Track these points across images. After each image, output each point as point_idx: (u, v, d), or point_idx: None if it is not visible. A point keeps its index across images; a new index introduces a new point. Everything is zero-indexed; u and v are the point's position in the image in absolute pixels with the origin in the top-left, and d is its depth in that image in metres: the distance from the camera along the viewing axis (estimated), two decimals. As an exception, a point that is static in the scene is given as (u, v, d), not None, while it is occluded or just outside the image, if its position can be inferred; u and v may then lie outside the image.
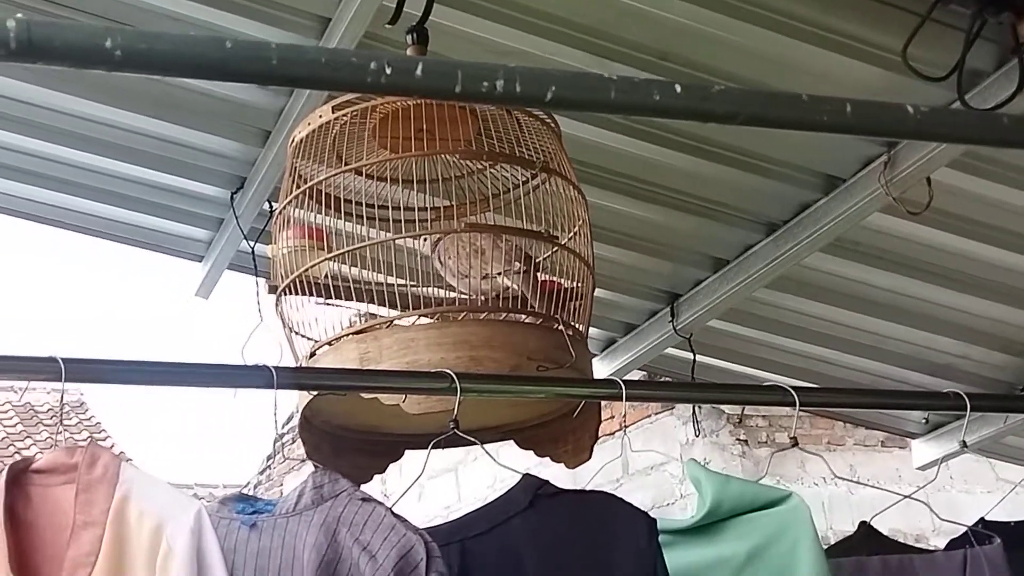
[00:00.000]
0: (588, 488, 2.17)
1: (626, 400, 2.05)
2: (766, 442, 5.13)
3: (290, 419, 6.40)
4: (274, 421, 1.93)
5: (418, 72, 1.45)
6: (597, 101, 1.52)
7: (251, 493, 2.11)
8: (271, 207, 2.87)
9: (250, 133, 2.82)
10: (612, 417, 5.00)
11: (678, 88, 1.52)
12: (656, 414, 5.21)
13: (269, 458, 6.99)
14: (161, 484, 1.89)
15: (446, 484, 6.40)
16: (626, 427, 2.14)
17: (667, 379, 3.47)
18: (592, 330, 3.40)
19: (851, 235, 2.85)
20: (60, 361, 1.79)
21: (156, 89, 2.68)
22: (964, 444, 2.21)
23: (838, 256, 2.97)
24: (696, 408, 4.75)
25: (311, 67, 1.42)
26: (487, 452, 2.06)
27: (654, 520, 2.02)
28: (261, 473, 7.09)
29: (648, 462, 5.20)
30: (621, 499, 2.06)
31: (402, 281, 2.20)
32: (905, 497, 2.15)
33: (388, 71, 1.44)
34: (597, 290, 3.13)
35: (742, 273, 3.00)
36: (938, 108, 1.61)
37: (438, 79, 1.47)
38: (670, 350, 3.36)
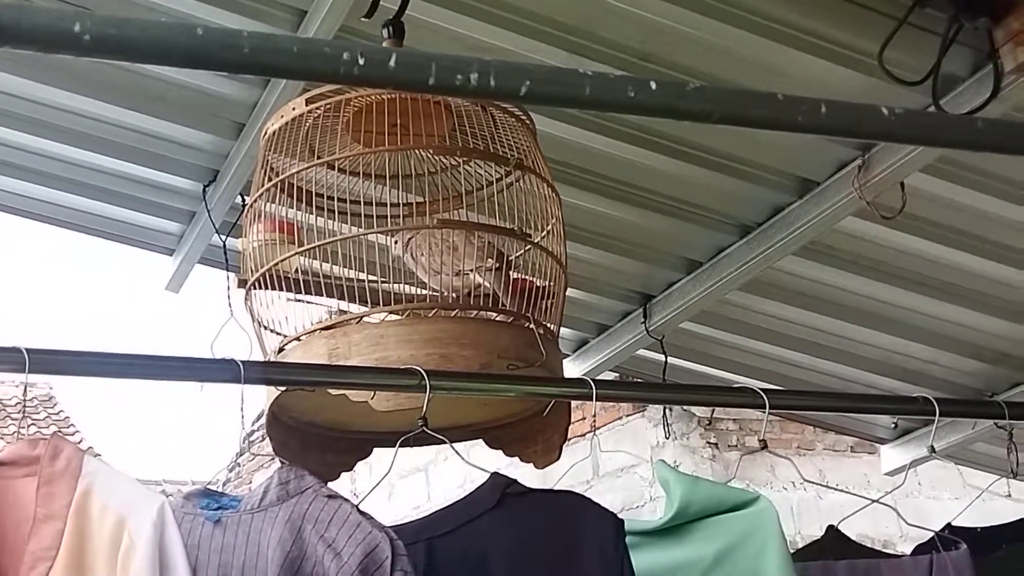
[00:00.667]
0: (564, 489, 2.15)
1: (596, 400, 2.03)
2: (736, 445, 5.14)
3: (260, 416, 6.38)
4: (241, 417, 1.91)
5: (391, 63, 1.44)
6: (571, 96, 1.50)
7: (216, 489, 2.08)
8: (243, 201, 2.85)
9: (223, 126, 2.80)
10: (583, 419, 5.00)
11: (653, 85, 1.51)
12: (627, 416, 5.20)
13: (238, 455, 6.96)
14: (125, 478, 1.86)
15: (416, 483, 6.37)
16: (596, 429, 2.12)
17: (638, 380, 3.46)
18: (564, 330, 3.39)
19: (824, 239, 2.85)
20: (24, 352, 1.76)
21: (129, 80, 2.65)
22: (932, 449, 2.20)
23: (811, 260, 2.97)
24: (667, 410, 4.74)
25: (283, 56, 1.40)
26: (456, 451, 2.05)
27: (622, 521, 2.01)
28: (230, 470, 7.06)
29: (618, 464, 5.19)
30: (589, 499, 2.05)
31: (373, 277, 2.19)
32: (873, 502, 2.14)
33: (361, 62, 1.42)
34: (570, 290, 3.12)
35: (715, 275, 2.99)
36: (913, 110, 1.60)
37: (412, 71, 1.45)
38: (642, 352, 3.36)
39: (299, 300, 2.21)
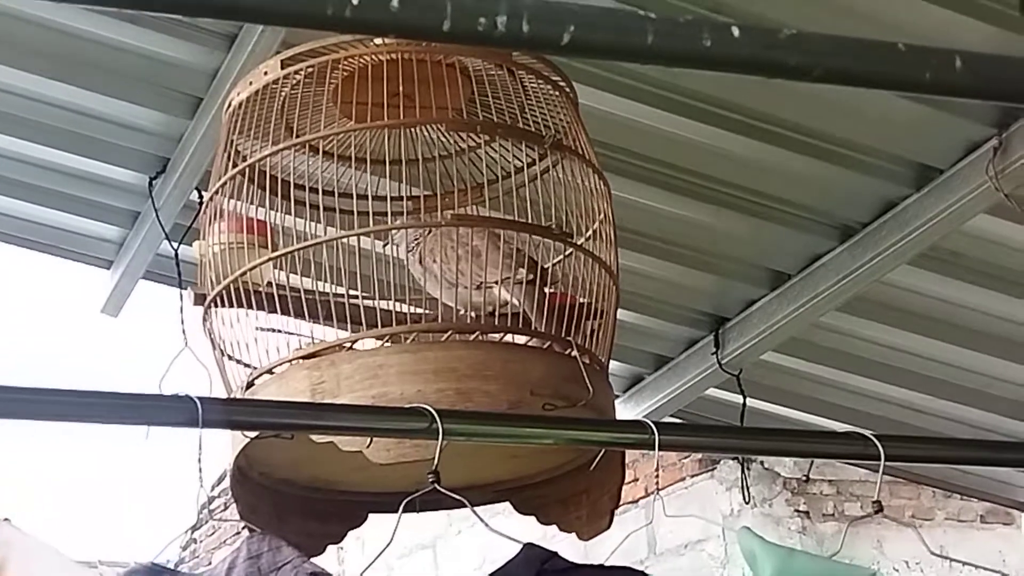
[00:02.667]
0: (618, 565, 2.12)
1: (659, 449, 1.99)
2: (833, 515, 5.09)
3: (223, 476, 6.35)
4: (199, 473, 1.87)
5: (394, 3, 1.40)
6: (629, 47, 1.47)
7: (167, 566, 2.05)
8: (201, 196, 2.83)
9: (175, 100, 2.78)
10: (636, 480, 4.95)
11: (736, 31, 1.48)
12: (692, 477, 5.16)
13: (194, 528, 6.92)
14: (48, 551, 1.85)
15: (421, 563, 6.33)
16: (657, 490, 2.09)
17: (712, 424, 3.42)
18: (613, 364, 3.34)
19: (949, 243, 2.82)
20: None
21: (54, 41, 2.64)
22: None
23: (931, 270, 2.94)
24: (745, 467, 4.70)
25: (254, -5, 1.37)
26: (478, 516, 2.00)
27: (695, 606, 1.97)
28: (184, 547, 7.01)
29: (681, 539, 5.15)
30: (650, 577, 2.02)
31: (367, 292, 2.16)
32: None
33: (355, 2, 1.39)
34: (620, 313, 3.12)
35: (807, 291, 2.96)
36: (1078, 64, 1.56)
37: (421, 13, 1.42)
38: (713, 391, 3.33)
39: (271, 323, 2.18)
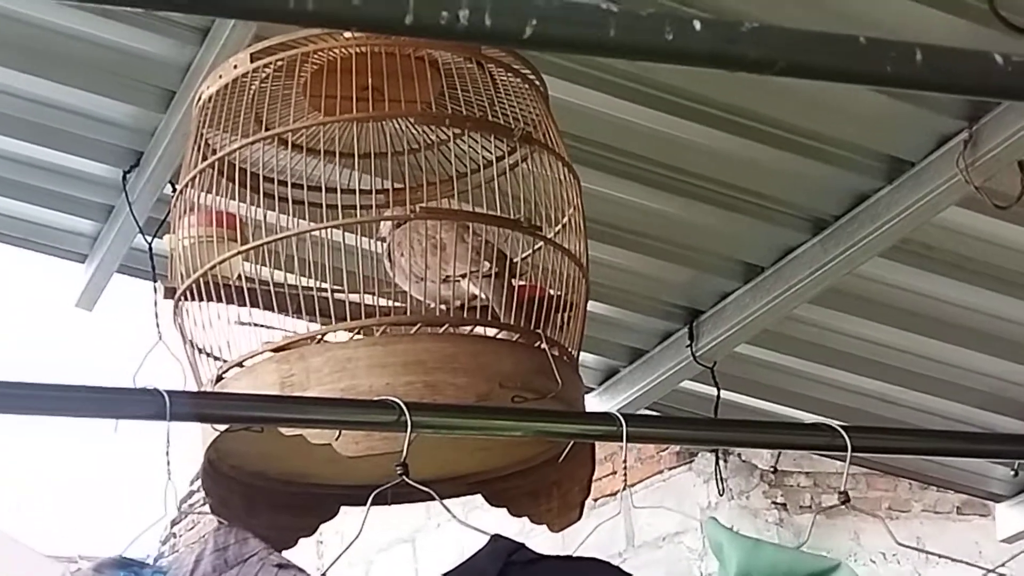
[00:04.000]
0: (586, 556, 2.12)
1: (627, 440, 2.00)
2: (810, 506, 5.08)
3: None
4: (167, 466, 1.88)
5: (356, -4, 1.40)
6: (591, 40, 1.47)
7: (139, 559, 2.05)
8: (175, 189, 2.83)
9: (148, 94, 2.78)
10: (614, 473, 4.95)
11: (697, 25, 1.48)
12: (670, 469, 5.16)
13: (173, 522, 6.92)
14: (17, 547, 1.85)
15: (400, 557, 6.33)
16: (630, 485, 2.10)
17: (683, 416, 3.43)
18: (588, 357, 3.37)
19: (921, 235, 2.82)
20: None
21: (28, 36, 2.64)
22: (1066, 503, 2.16)
23: (904, 263, 2.94)
24: (719, 459, 4.71)
25: (213, -12, 1.37)
26: (447, 508, 2.01)
27: (662, 597, 1.98)
28: (163, 542, 7.01)
29: (659, 531, 5.15)
30: (618, 569, 2.03)
31: (338, 284, 2.16)
32: (988, 572, 2.10)
33: (316, -6, 1.39)
34: (594, 306, 3.13)
35: (780, 284, 2.96)
36: (1036, 58, 1.57)
37: (383, 6, 1.42)
38: (687, 384, 3.33)
39: (241, 317, 2.19)
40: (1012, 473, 3.15)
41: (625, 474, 2.02)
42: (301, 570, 1.89)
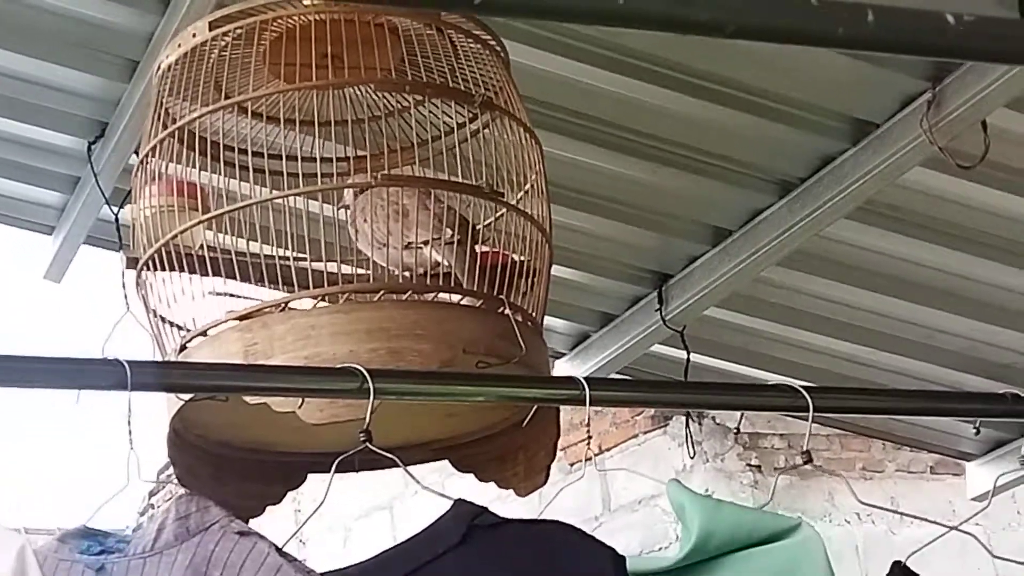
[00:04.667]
0: (548, 519, 2.13)
1: (590, 404, 2.00)
2: (784, 467, 5.11)
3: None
4: (129, 437, 1.87)
5: (304, -35, 1.40)
6: (541, 4, 1.48)
7: (104, 530, 2.05)
8: (139, 160, 2.83)
9: (112, 64, 2.77)
10: (590, 437, 4.96)
11: (649, -13, 1.48)
12: (644, 433, 5.17)
13: (151, 493, 6.93)
14: None
15: (379, 524, 6.34)
16: (588, 448, 2.11)
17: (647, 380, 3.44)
18: (559, 322, 3.39)
19: (886, 196, 2.83)
20: None
21: (-12, 7, 2.62)
22: (1024, 463, 2.17)
23: (870, 224, 2.95)
24: (690, 421, 4.73)
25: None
26: (410, 475, 2.02)
27: (622, 558, 1.98)
28: (141, 513, 7.02)
29: (635, 495, 5.17)
30: (580, 531, 2.03)
31: (300, 253, 2.16)
32: (950, 529, 2.11)
33: (264, -37, 1.38)
34: (566, 271, 3.14)
35: (748, 247, 2.98)
36: (989, 17, 1.58)
37: (332, -26, 1.42)
38: (657, 347, 3.34)
39: (207, 288, 2.18)
40: (974, 431, 3.16)
41: (588, 441, 2.02)
42: (263, 537, 1.89)
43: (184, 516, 1.90)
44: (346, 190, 2.24)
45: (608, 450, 5.28)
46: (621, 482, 5.23)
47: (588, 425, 2.03)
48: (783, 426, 5.13)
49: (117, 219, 2.97)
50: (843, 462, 5.17)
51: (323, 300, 2.11)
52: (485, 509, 2.04)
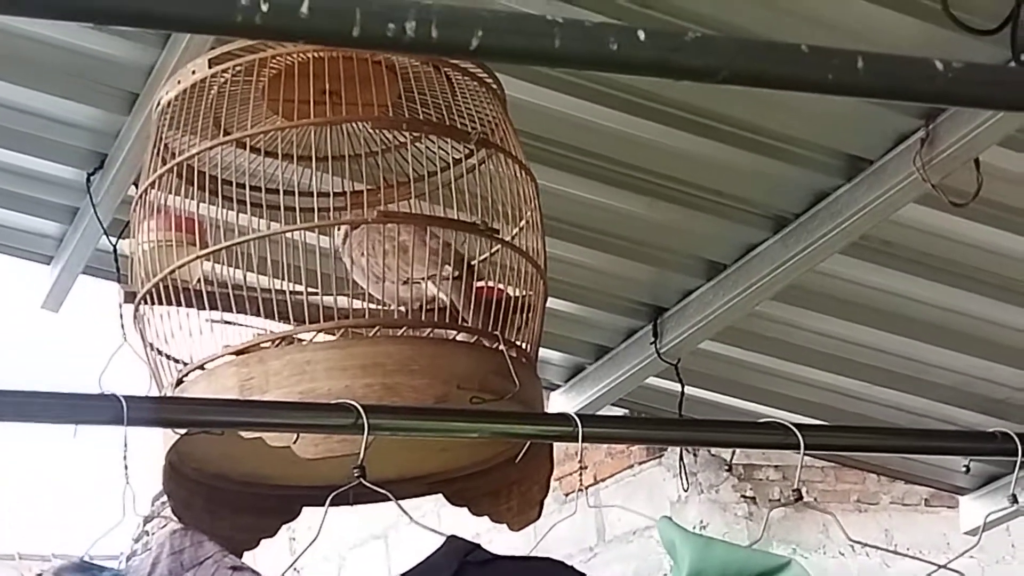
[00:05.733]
0: (540, 556, 2.14)
1: (583, 440, 2.02)
2: (779, 500, 5.11)
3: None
4: (124, 470, 1.89)
5: (303, 9, 1.43)
6: (536, 51, 1.50)
7: (100, 564, 2.07)
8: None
9: (112, 97, 2.80)
10: (583, 471, 4.97)
11: (641, 35, 1.50)
12: (640, 464, 5.18)
13: (146, 520, 6.94)
14: None
15: (373, 554, 6.35)
16: (580, 483, 2.12)
17: (640, 416, 3.45)
18: (554, 355, 3.40)
19: (880, 232, 2.85)
20: None
21: (-9, 40, 2.65)
22: (1014, 499, 2.19)
23: (864, 259, 2.96)
24: (689, 454, 4.73)
25: (164, 1, 1.39)
26: (402, 509, 2.03)
27: (615, 596, 2.00)
28: (136, 540, 7.03)
29: (630, 526, 5.17)
30: (572, 568, 2.04)
31: (297, 287, 2.18)
32: (939, 567, 2.12)
33: (264, 7, 1.41)
34: (561, 303, 3.15)
35: (743, 281, 2.99)
36: (978, 65, 1.60)
37: (330, 19, 1.45)
38: (652, 380, 3.35)
39: (204, 321, 2.20)
40: (964, 469, 3.18)
41: (581, 473, 2.04)
42: (256, 572, 1.90)
43: (178, 551, 1.91)
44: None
45: (603, 480, 5.29)
46: (616, 512, 5.24)
47: (581, 461, 2.05)
48: (778, 458, 5.14)
49: (115, 249, 2.99)
50: (838, 494, 5.18)
51: (320, 334, 2.13)
52: (477, 546, 2.06)
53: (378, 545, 6.30)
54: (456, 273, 2.19)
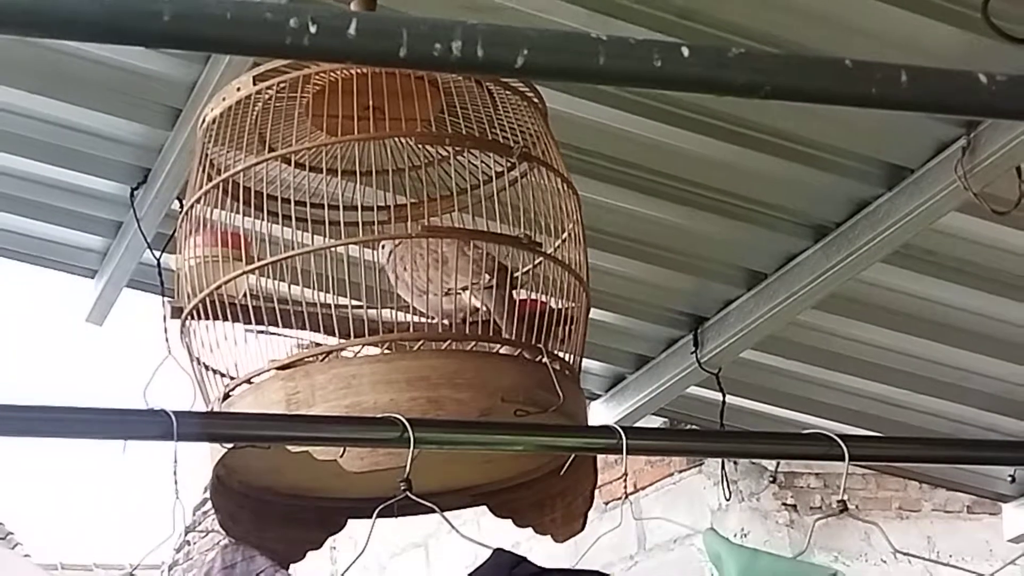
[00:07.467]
0: (587, 569, 2.15)
1: (627, 453, 2.03)
2: (820, 507, 5.10)
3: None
4: (175, 484, 1.91)
5: (351, 31, 1.44)
6: (582, 68, 1.51)
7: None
8: (182, 205, 2.87)
9: (155, 112, 2.83)
10: (626, 484, 4.97)
11: (686, 52, 1.51)
12: (680, 472, 5.18)
13: (188, 530, 6.99)
14: (20, 564, 1.87)
15: (414, 562, 6.37)
16: (641, 488, 2.13)
17: (687, 428, 3.45)
18: (594, 364, 3.41)
19: (921, 241, 2.86)
20: None
21: (36, 56, 2.68)
22: (1061, 508, 2.18)
23: (905, 268, 2.97)
24: (726, 462, 4.73)
25: (213, 25, 1.41)
26: (447, 521, 2.04)
27: (660, 608, 2.01)
28: (177, 550, 7.07)
29: (670, 534, 5.18)
30: (618, 580, 2.05)
31: (343, 301, 2.19)
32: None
33: (312, 30, 1.43)
34: (602, 314, 3.16)
35: (783, 290, 3.00)
36: (1020, 77, 1.60)
37: (378, 40, 1.46)
38: (693, 389, 3.36)
39: (248, 332, 2.22)
40: (1009, 479, 3.17)
41: (625, 484, 2.05)
42: (307, 587, 1.92)
43: (230, 566, 1.93)
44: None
45: (643, 488, 5.29)
46: (656, 520, 5.24)
47: (625, 474, 2.06)
48: (819, 465, 5.12)
49: (159, 263, 3.01)
50: (879, 501, 5.16)
51: (365, 348, 2.14)
52: (524, 559, 2.07)
53: (418, 553, 6.31)
54: (496, 282, 2.19)
